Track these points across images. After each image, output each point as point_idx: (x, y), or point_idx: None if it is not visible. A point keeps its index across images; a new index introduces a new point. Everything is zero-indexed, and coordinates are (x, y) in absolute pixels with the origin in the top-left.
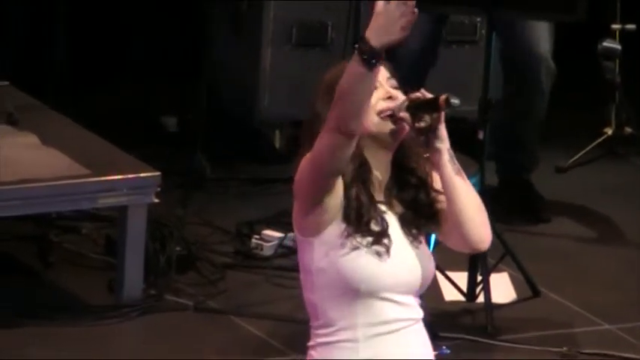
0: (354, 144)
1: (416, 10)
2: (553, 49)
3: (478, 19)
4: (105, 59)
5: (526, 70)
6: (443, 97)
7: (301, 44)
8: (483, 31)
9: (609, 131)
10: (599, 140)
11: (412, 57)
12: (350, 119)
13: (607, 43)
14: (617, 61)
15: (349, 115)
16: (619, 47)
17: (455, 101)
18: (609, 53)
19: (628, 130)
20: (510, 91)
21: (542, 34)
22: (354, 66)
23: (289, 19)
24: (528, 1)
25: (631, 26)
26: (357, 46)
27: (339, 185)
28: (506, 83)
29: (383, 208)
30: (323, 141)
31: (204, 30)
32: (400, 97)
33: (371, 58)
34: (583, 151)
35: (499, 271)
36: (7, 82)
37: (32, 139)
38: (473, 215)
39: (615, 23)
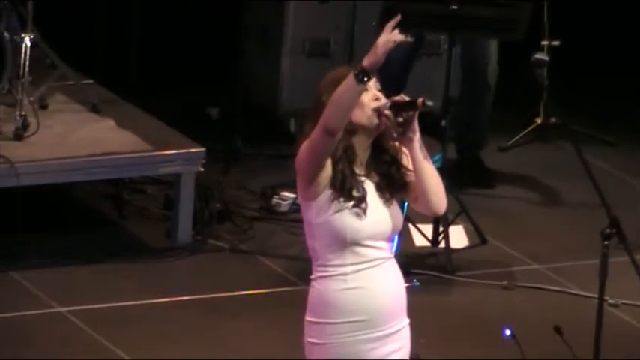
0: (336, 140)
1: (396, 40)
2: (502, 60)
3: (442, 37)
4: (165, 66)
5: (477, 72)
6: (420, 99)
7: (311, 55)
8: (446, 46)
9: (539, 121)
10: (531, 127)
11: (396, 67)
12: (334, 120)
13: (537, 55)
14: (545, 68)
15: (335, 117)
16: (546, 58)
17: (429, 103)
18: (539, 63)
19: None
20: (466, 87)
21: (489, 46)
22: (348, 79)
23: (303, 36)
24: (482, 24)
25: (555, 42)
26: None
27: (329, 163)
28: (464, 82)
29: (363, 179)
30: (315, 135)
31: (240, 44)
32: (383, 98)
33: (359, 74)
34: (519, 136)
35: (456, 224)
36: (91, 80)
37: (110, 123)
38: (435, 190)
39: (544, 40)
